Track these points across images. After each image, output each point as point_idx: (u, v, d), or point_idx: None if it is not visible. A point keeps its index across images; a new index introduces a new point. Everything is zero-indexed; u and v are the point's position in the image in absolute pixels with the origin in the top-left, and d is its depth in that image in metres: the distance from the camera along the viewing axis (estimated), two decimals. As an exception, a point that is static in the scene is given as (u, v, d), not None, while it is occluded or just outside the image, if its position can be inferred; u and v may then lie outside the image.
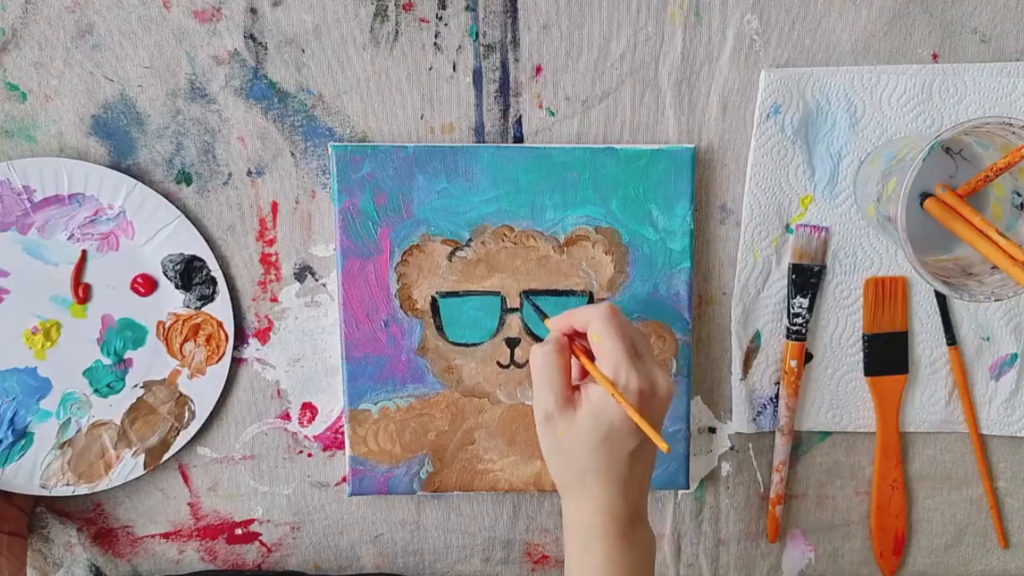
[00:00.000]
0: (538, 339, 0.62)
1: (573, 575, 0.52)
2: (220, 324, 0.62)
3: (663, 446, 0.48)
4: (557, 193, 0.61)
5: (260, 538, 0.66)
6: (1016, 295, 0.54)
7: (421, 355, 0.62)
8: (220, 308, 0.62)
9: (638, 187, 0.61)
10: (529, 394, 0.63)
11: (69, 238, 0.60)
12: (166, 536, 0.66)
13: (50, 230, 0.60)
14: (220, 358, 0.62)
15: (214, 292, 0.62)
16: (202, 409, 0.63)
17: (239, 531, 0.66)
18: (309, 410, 0.65)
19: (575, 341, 0.54)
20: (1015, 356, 0.66)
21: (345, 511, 0.66)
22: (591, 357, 0.52)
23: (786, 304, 0.64)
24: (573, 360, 0.54)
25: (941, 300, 0.65)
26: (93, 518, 0.65)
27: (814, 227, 0.63)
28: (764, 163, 0.62)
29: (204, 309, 0.62)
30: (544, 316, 0.58)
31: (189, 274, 0.61)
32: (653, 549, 0.54)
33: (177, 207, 0.61)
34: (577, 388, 0.52)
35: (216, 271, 0.61)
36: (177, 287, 0.61)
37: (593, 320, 0.51)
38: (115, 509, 0.65)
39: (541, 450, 0.53)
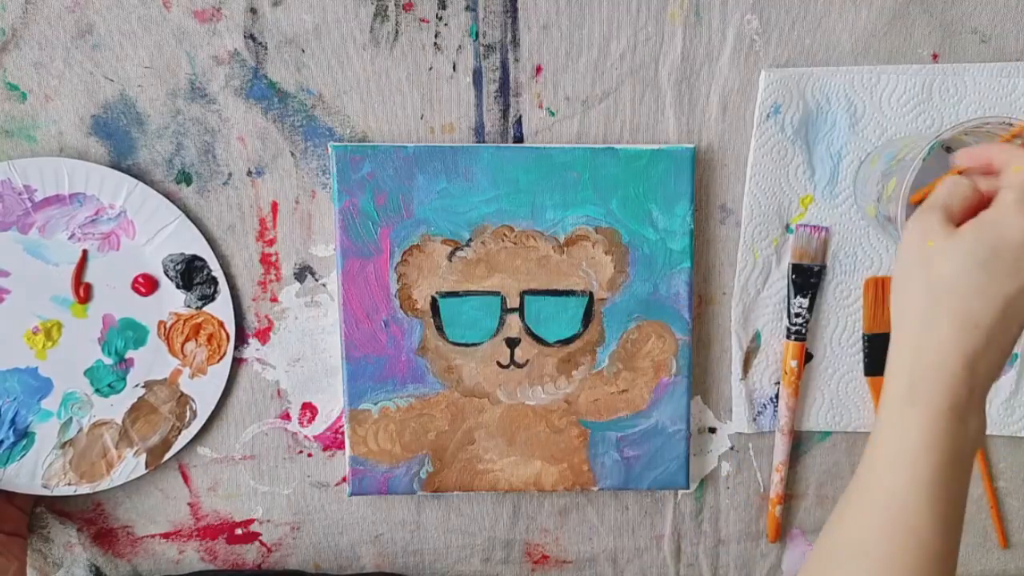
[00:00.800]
0: (539, 339, 0.62)
1: (877, 448, 0.42)
2: (221, 324, 0.62)
3: None
4: (557, 193, 0.61)
5: (260, 538, 0.66)
6: (1016, 295, 0.54)
7: (421, 355, 0.62)
8: (221, 308, 0.62)
9: (638, 187, 0.61)
10: (528, 394, 0.63)
11: (70, 238, 0.60)
12: (166, 536, 0.66)
13: (51, 230, 0.60)
14: (221, 358, 0.62)
15: (215, 292, 0.62)
16: (203, 408, 0.63)
17: (239, 531, 0.66)
18: (309, 410, 0.65)
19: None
20: (1015, 356, 0.66)
21: (345, 511, 0.66)
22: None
23: (786, 304, 0.64)
24: None
25: (941, 300, 0.65)
26: (93, 518, 0.65)
27: (814, 227, 0.63)
28: (764, 163, 0.62)
29: (205, 309, 0.62)
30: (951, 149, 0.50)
31: (190, 274, 0.61)
32: (982, 442, 0.43)
33: (177, 207, 0.61)
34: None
35: (217, 271, 0.61)
36: (178, 287, 0.61)
37: (1016, 156, 0.43)
38: (115, 509, 0.65)
39: (894, 277, 0.43)
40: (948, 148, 0.60)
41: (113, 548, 0.66)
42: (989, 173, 0.45)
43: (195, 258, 0.61)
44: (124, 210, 0.60)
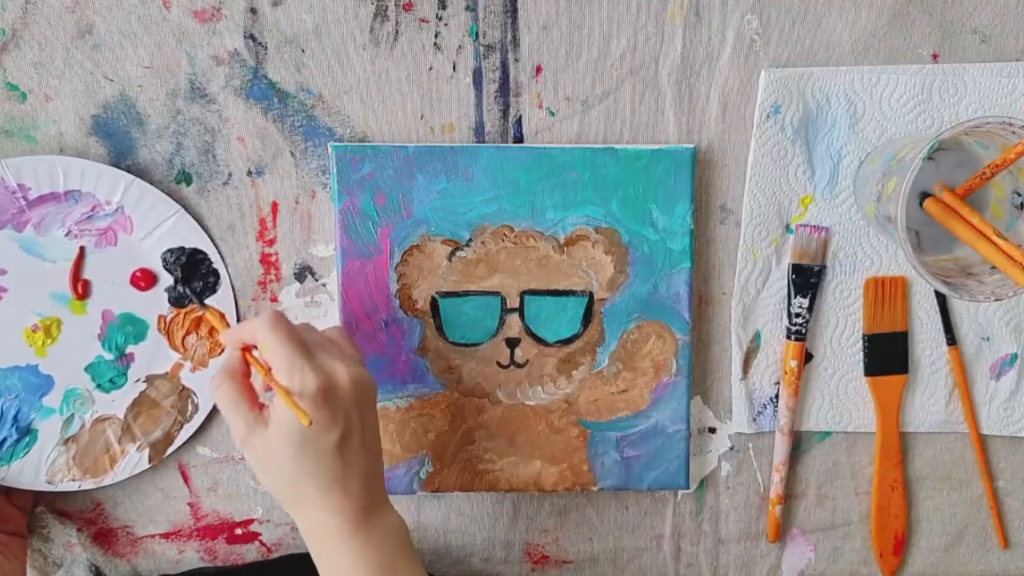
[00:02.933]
0: (539, 340, 0.62)
1: None
2: (222, 316, 0.62)
3: (304, 419, 0.47)
4: (557, 193, 0.61)
5: (260, 538, 0.66)
6: (1016, 295, 0.54)
7: (421, 355, 0.62)
8: (221, 300, 0.62)
9: (638, 187, 0.61)
10: (528, 394, 0.63)
11: (67, 234, 0.60)
12: (166, 536, 0.66)
13: (46, 227, 0.60)
14: (222, 350, 0.62)
15: (215, 285, 0.62)
16: (205, 402, 0.63)
17: (239, 531, 0.66)
18: (309, 410, 0.64)
19: (251, 352, 0.53)
20: (1015, 356, 0.66)
21: (345, 511, 0.66)
22: (268, 368, 0.51)
23: (786, 304, 0.64)
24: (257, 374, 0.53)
25: (941, 300, 0.65)
26: (93, 518, 0.65)
27: (814, 227, 0.63)
28: (764, 163, 0.62)
29: (205, 302, 0.62)
30: (203, 306, 0.59)
31: (190, 267, 0.61)
32: (403, 530, 0.53)
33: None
34: (264, 405, 0.51)
35: (217, 263, 0.61)
36: (177, 281, 0.61)
37: (257, 331, 0.51)
38: (115, 509, 0.65)
39: (253, 470, 0.52)
40: (934, 156, 0.60)
41: (113, 548, 0.66)
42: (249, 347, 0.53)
43: (195, 251, 0.61)
44: (121, 206, 0.60)
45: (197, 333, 0.62)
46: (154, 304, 0.62)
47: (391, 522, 0.53)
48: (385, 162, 0.60)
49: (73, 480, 0.62)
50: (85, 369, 0.62)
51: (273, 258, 0.63)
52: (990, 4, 0.61)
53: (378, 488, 0.53)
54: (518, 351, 0.63)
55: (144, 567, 0.66)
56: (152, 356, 0.62)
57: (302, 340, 0.51)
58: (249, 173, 0.61)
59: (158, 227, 0.60)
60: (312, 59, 0.60)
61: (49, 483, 0.62)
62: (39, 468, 0.62)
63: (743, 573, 0.69)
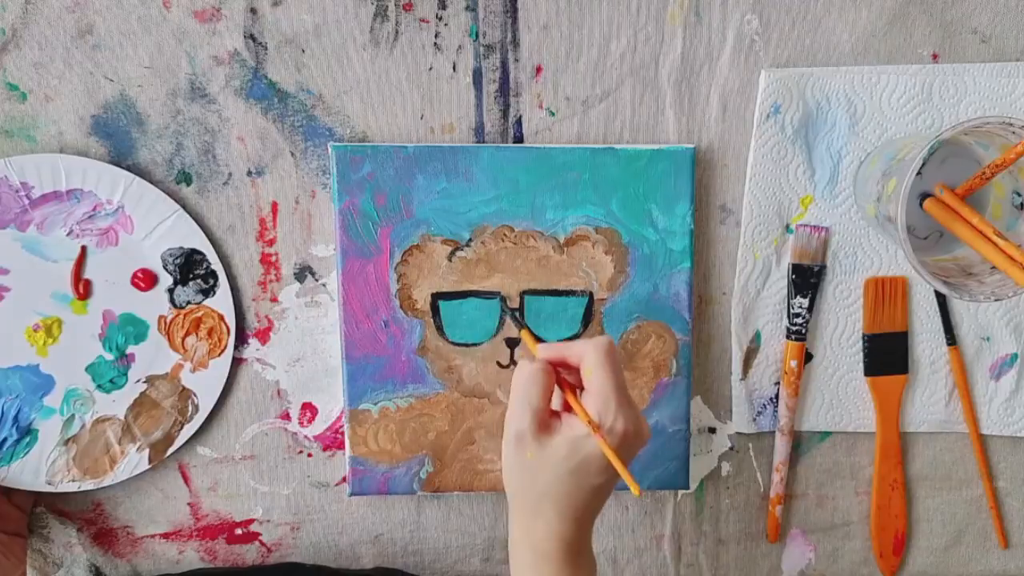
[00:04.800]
0: (538, 340, 0.62)
1: None
2: (221, 317, 0.62)
3: (637, 490, 0.48)
4: (557, 193, 0.61)
5: (260, 538, 0.66)
6: (1016, 295, 0.54)
7: (421, 355, 0.62)
8: (221, 301, 0.62)
9: (638, 187, 0.61)
10: (529, 394, 0.63)
11: (68, 234, 0.60)
12: (166, 536, 0.66)
13: (49, 227, 0.60)
14: (222, 351, 0.62)
15: (215, 285, 0.62)
16: (205, 403, 0.63)
17: (239, 531, 0.66)
18: (309, 410, 0.65)
19: (559, 372, 0.52)
20: (1015, 356, 0.66)
21: (345, 511, 0.66)
22: (572, 390, 0.51)
23: (786, 304, 0.64)
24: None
25: (941, 300, 0.65)
26: (93, 518, 0.65)
27: (814, 227, 0.63)
28: (764, 163, 0.62)
29: (205, 303, 0.62)
30: (523, 326, 0.58)
31: (189, 268, 0.61)
32: (595, 574, 0.54)
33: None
34: (556, 414, 0.51)
35: (216, 264, 0.61)
36: (177, 281, 0.61)
37: (589, 353, 0.50)
38: (115, 509, 0.65)
39: (503, 463, 0.51)
40: (929, 160, 0.60)
41: (113, 548, 0.66)
42: (567, 367, 0.52)
43: (194, 252, 0.61)
44: (122, 205, 0.60)
45: (197, 334, 0.62)
46: (154, 304, 0.62)
47: (591, 565, 0.53)
48: (385, 162, 0.60)
49: (73, 481, 0.62)
50: (86, 369, 0.62)
51: (273, 258, 0.63)
52: (990, 4, 0.61)
53: (591, 526, 0.53)
54: (518, 351, 0.63)
55: (144, 567, 0.66)
56: (152, 357, 0.62)
57: (623, 378, 0.50)
58: (249, 173, 0.61)
59: (158, 227, 0.60)
60: (312, 59, 0.60)
61: (49, 484, 0.62)
62: (39, 468, 0.62)
63: (743, 573, 0.69)
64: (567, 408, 0.52)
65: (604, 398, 0.49)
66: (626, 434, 0.49)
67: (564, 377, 0.52)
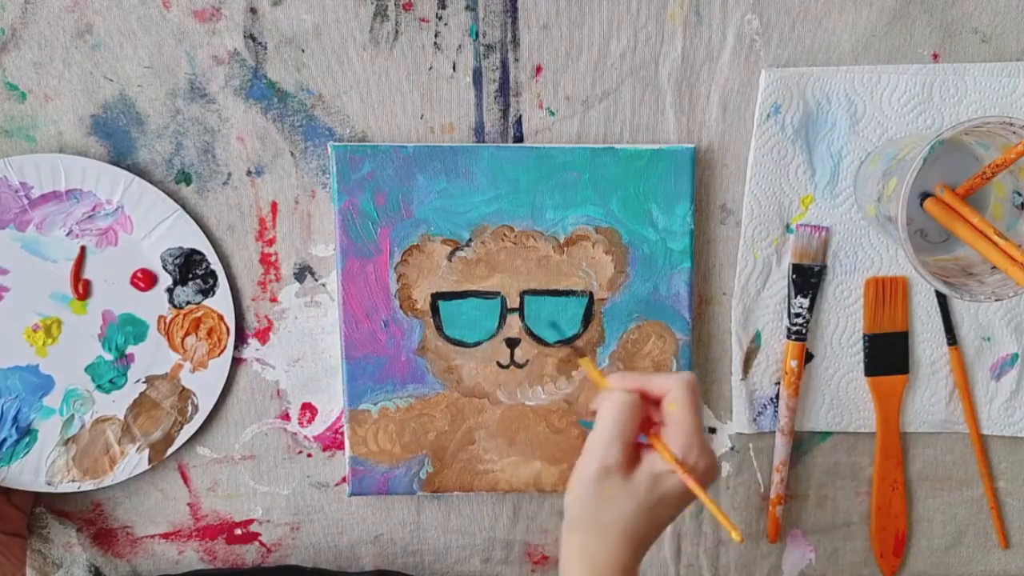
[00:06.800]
0: (539, 340, 0.62)
1: None
2: (221, 317, 0.62)
3: (739, 538, 0.48)
4: (557, 193, 0.61)
5: (260, 538, 0.66)
6: (1016, 295, 0.54)
7: (421, 355, 0.62)
8: (221, 301, 0.62)
9: (638, 187, 0.61)
10: (528, 394, 0.63)
11: (68, 234, 0.60)
12: (166, 536, 0.66)
13: (48, 227, 0.60)
14: (222, 351, 0.62)
15: (214, 285, 0.62)
16: (205, 403, 0.63)
17: (239, 531, 0.66)
18: (309, 410, 0.64)
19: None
20: (1015, 356, 0.65)
21: (345, 511, 0.66)
22: (652, 427, 0.51)
23: (786, 304, 0.64)
24: None
25: (941, 300, 0.65)
26: (93, 518, 0.65)
27: (814, 227, 0.63)
28: (764, 163, 0.62)
29: (204, 303, 0.62)
30: (581, 354, 0.57)
31: (189, 268, 0.61)
32: None
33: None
34: (638, 446, 0.50)
35: (216, 264, 0.61)
36: (177, 281, 0.61)
37: (675, 388, 0.49)
38: (115, 509, 0.65)
39: (573, 487, 0.50)
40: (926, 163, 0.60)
41: (113, 548, 0.66)
42: (647, 397, 0.51)
43: (193, 252, 0.61)
44: (121, 205, 0.60)
45: (196, 334, 0.62)
46: (154, 305, 0.61)
47: None
48: (385, 162, 0.60)
49: (73, 481, 0.62)
50: (85, 369, 0.62)
51: (273, 258, 0.62)
52: (990, 4, 0.61)
53: (645, 554, 0.53)
54: (518, 351, 0.63)
55: (144, 567, 0.66)
56: (152, 357, 0.62)
57: (702, 416, 0.51)
58: (249, 173, 0.61)
59: (158, 227, 0.60)
60: (312, 59, 0.60)
61: (49, 484, 0.62)
62: (39, 469, 0.62)
63: (743, 573, 0.68)
64: (647, 445, 0.51)
65: (689, 436, 0.49)
66: (707, 472, 0.49)
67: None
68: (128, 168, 0.60)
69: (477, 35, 0.60)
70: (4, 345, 0.61)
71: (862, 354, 0.65)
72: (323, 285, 0.63)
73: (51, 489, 0.62)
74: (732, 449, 0.67)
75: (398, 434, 0.63)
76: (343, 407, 0.63)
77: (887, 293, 0.64)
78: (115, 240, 0.61)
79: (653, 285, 0.62)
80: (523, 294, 0.62)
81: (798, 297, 0.64)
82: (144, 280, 0.61)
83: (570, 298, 0.62)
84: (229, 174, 0.61)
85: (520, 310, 0.62)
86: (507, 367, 0.63)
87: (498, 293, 0.62)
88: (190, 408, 0.63)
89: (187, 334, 0.62)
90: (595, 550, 0.50)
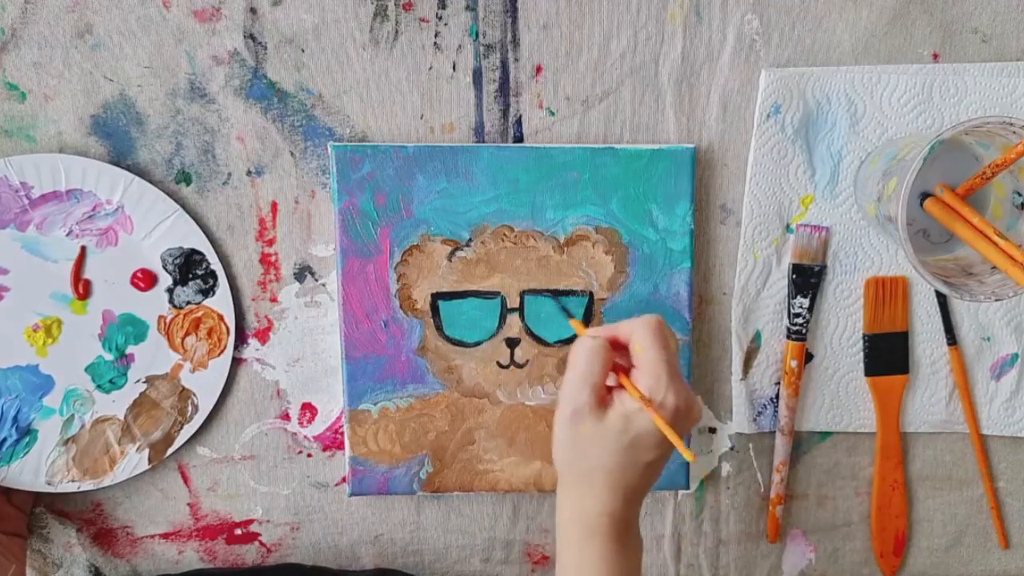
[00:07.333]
0: (539, 340, 0.62)
1: (567, 569, 0.52)
2: (221, 317, 0.62)
3: (691, 457, 0.48)
4: (557, 193, 0.61)
5: (260, 538, 0.66)
6: (1016, 295, 0.54)
7: (421, 355, 0.62)
8: (221, 301, 0.62)
9: (638, 187, 0.61)
10: (528, 394, 0.63)
11: (68, 234, 0.60)
12: (165, 536, 0.66)
13: (48, 227, 0.60)
14: (222, 351, 0.62)
15: (214, 285, 0.62)
16: (205, 403, 0.63)
17: (239, 531, 0.66)
18: (309, 410, 0.65)
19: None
20: (1015, 356, 0.65)
21: (345, 511, 0.66)
22: (622, 370, 0.51)
23: (786, 304, 0.64)
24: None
25: (941, 300, 0.65)
26: (93, 518, 0.65)
27: (814, 227, 0.63)
28: (764, 163, 0.62)
29: (205, 303, 0.62)
30: (571, 315, 0.58)
31: (189, 268, 0.61)
32: (642, 553, 0.54)
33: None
34: (610, 390, 0.51)
35: (216, 264, 0.61)
36: (177, 281, 0.61)
37: (638, 330, 0.50)
38: (115, 509, 0.65)
39: (554, 438, 0.51)
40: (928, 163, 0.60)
41: (113, 548, 0.66)
42: (616, 346, 0.52)
43: (193, 252, 0.61)
44: (121, 205, 0.60)
45: (196, 334, 0.62)
46: (154, 305, 0.62)
47: (638, 542, 0.53)
48: (385, 162, 0.60)
49: (73, 481, 0.62)
50: (85, 369, 0.62)
51: (273, 258, 0.62)
52: (990, 4, 0.61)
53: (640, 504, 0.54)
54: (518, 351, 0.63)
55: (144, 567, 0.66)
56: (152, 357, 0.62)
57: (673, 355, 0.50)
58: (249, 173, 0.61)
59: (158, 227, 0.60)
60: (312, 59, 0.60)
61: (49, 484, 0.62)
62: (39, 469, 0.62)
63: (743, 573, 0.68)
64: (617, 386, 0.52)
65: (655, 374, 0.49)
66: (678, 409, 0.49)
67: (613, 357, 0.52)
68: (128, 168, 0.60)
69: (477, 35, 0.60)
70: (4, 345, 0.61)
71: (862, 354, 0.65)
72: (323, 285, 0.63)
73: (51, 489, 0.62)
74: (732, 449, 0.67)
75: (398, 434, 0.63)
76: (343, 407, 0.63)
77: (887, 293, 0.64)
78: (115, 240, 0.61)
79: (653, 285, 0.62)
80: (523, 294, 0.62)
81: (798, 297, 0.64)
82: (144, 280, 0.61)
83: (570, 298, 0.62)
84: (229, 174, 0.61)
85: (520, 310, 0.62)
86: (507, 367, 0.63)
87: (498, 293, 0.62)
88: (190, 408, 0.63)
89: (187, 334, 0.62)
90: (584, 502, 0.51)
